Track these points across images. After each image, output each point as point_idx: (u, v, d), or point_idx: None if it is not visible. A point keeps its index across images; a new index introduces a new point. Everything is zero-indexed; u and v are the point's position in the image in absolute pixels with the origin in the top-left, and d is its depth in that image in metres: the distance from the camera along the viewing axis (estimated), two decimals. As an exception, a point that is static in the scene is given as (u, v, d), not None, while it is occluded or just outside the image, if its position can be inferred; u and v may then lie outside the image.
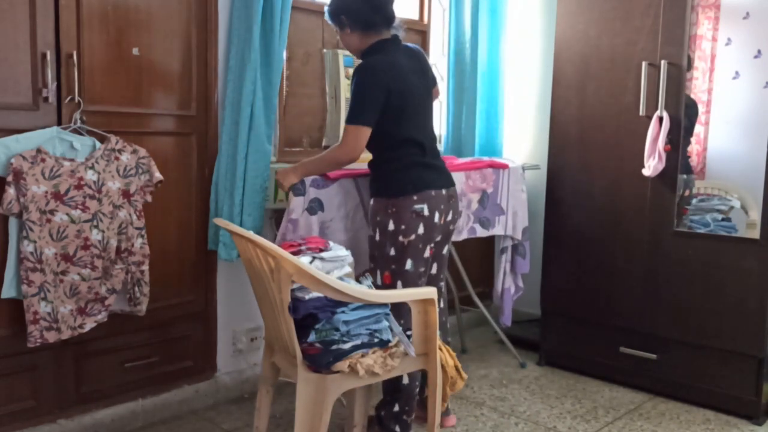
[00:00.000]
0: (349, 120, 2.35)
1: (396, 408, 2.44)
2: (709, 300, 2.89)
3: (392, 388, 2.43)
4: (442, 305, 2.70)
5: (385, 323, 2.06)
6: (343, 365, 1.93)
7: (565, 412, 2.90)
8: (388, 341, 2.05)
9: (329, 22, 2.51)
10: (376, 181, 2.47)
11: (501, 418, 2.82)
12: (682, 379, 2.99)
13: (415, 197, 2.37)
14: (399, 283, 2.39)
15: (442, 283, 2.63)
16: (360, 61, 2.48)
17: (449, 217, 2.50)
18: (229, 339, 2.91)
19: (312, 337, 1.98)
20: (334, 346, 1.96)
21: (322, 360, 1.94)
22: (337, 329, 1.98)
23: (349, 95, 3.09)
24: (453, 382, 2.20)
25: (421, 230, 2.38)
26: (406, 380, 2.40)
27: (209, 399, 2.85)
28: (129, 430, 2.60)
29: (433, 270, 2.55)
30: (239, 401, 2.91)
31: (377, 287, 2.38)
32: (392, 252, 2.38)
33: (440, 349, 2.13)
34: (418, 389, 2.48)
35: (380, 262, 2.42)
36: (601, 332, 3.21)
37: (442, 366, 2.14)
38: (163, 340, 2.70)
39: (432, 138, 2.53)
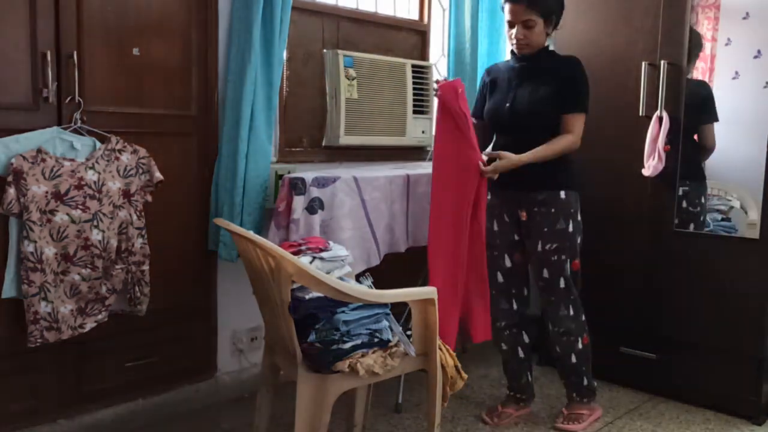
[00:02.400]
0: (580, 108, 2.60)
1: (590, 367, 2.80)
2: (709, 300, 2.89)
3: (587, 353, 2.78)
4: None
5: (385, 323, 2.06)
6: (343, 365, 1.93)
7: (565, 412, 2.90)
8: (388, 341, 2.05)
9: (534, 10, 2.51)
10: (566, 171, 2.63)
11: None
12: (682, 379, 2.99)
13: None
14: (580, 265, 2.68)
15: None
16: (518, 60, 2.66)
17: None
18: (229, 339, 2.91)
19: (312, 337, 1.98)
20: (334, 346, 1.96)
21: (322, 360, 1.94)
22: (337, 329, 1.98)
23: (349, 95, 3.10)
24: (453, 382, 2.19)
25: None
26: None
27: (209, 399, 2.85)
28: (129, 429, 2.60)
29: None
30: (239, 401, 2.91)
31: (569, 277, 2.66)
32: (579, 240, 2.67)
33: (440, 348, 2.13)
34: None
35: (571, 251, 2.65)
36: (601, 332, 3.21)
37: (442, 366, 2.13)
38: (163, 340, 2.70)
39: None
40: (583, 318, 2.76)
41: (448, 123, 2.51)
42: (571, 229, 2.62)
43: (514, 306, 2.79)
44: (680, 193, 2.97)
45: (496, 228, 2.73)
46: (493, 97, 2.72)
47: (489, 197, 2.64)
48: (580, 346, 2.74)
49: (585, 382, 2.80)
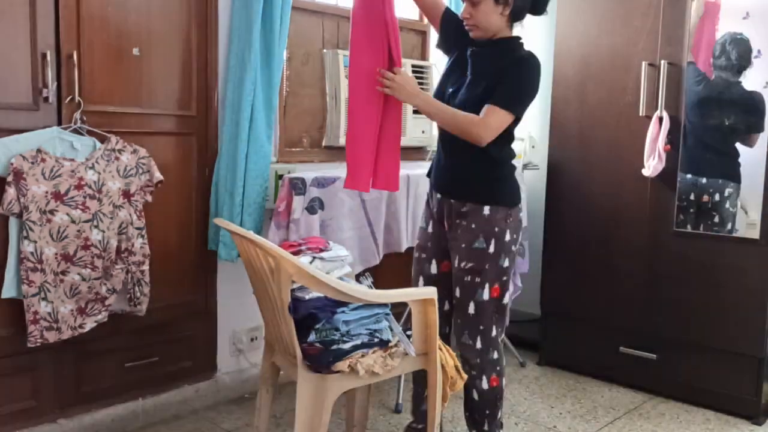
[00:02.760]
0: (505, 104, 2.15)
1: (499, 415, 2.41)
2: (709, 300, 2.89)
3: (493, 398, 2.36)
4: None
5: (385, 323, 2.06)
6: (343, 365, 1.93)
7: (565, 412, 2.90)
8: (388, 341, 2.05)
9: None
10: (493, 185, 2.27)
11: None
12: (682, 379, 2.99)
13: (520, 205, 2.34)
14: (506, 294, 2.32)
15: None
16: (475, 45, 2.28)
17: None
18: (229, 339, 2.91)
19: (312, 337, 1.98)
20: (334, 346, 1.96)
21: (322, 360, 1.94)
22: (337, 329, 1.98)
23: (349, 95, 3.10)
24: (453, 382, 2.19)
25: (521, 238, 2.35)
26: (504, 383, 2.39)
27: (209, 399, 2.85)
28: (129, 430, 2.60)
29: None
30: (239, 401, 2.91)
31: (483, 303, 2.28)
32: (506, 263, 2.28)
33: (440, 348, 2.13)
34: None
35: (491, 275, 2.26)
36: (601, 332, 3.21)
37: (442, 366, 2.13)
38: (163, 340, 2.70)
39: None
40: (496, 356, 2.33)
41: (361, 27, 2.26)
42: (492, 250, 2.24)
43: (478, 344, 2.34)
44: (725, 194, 2.94)
45: (430, 230, 2.41)
46: (444, 77, 2.41)
47: (427, 197, 2.45)
48: (484, 386, 2.34)
49: (486, 427, 2.38)
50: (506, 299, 2.33)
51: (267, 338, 2.26)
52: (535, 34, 3.83)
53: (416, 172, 2.91)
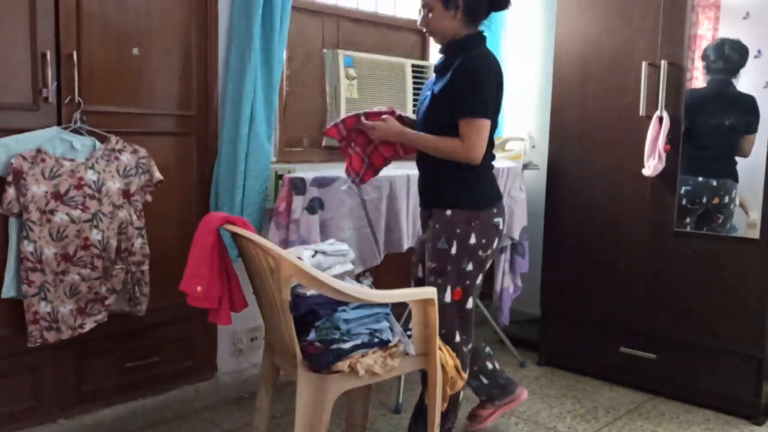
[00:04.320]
0: (471, 112, 2.18)
1: (449, 423, 2.42)
2: (709, 300, 2.89)
3: (448, 405, 2.27)
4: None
5: (386, 323, 2.06)
6: (343, 365, 1.93)
7: (565, 412, 2.90)
8: (388, 341, 2.05)
9: None
10: (454, 188, 2.29)
11: (501, 417, 2.82)
12: (682, 379, 2.99)
13: (494, 210, 2.32)
14: (470, 299, 2.33)
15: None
16: (442, 47, 2.34)
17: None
18: (229, 339, 2.91)
19: (312, 335, 1.98)
20: (335, 346, 1.96)
21: (322, 360, 1.94)
22: (338, 328, 1.98)
23: (349, 95, 3.10)
24: (453, 382, 2.19)
25: (495, 244, 2.33)
26: (461, 397, 2.41)
27: (209, 399, 2.85)
28: (129, 430, 2.60)
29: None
30: (239, 401, 2.91)
31: (444, 306, 2.27)
32: (469, 267, 2.29)
33: (440, 349, 2.13)
34: (482, 384, 2.54)
35: (452, 277, 2.29)
36: (601, 332, 3.21)
37: (442, 366, 2.13)
38: (163, 340, 2.70)
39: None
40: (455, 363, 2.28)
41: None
42: (453, 251, 2.27)
43: None
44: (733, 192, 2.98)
45: (421, 234, 2.50)
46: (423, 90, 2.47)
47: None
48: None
49: None
50: (469, 305, 2.34)
51: (267, 338, 2.26)
52: (535, 34, 3.84)
53: (416, 172, 2.90)
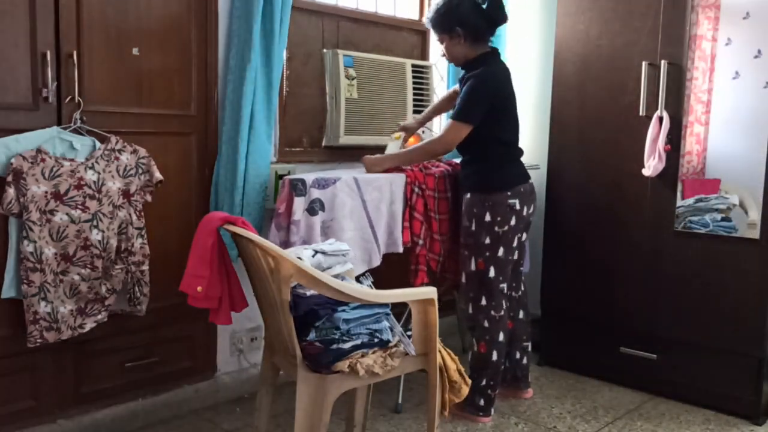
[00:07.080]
0: (456, 117, 2.67)
1: (483, 382, 2.74)
2: (709, 300, 2.89)
3: (480, 363, 2.74)
4: (521, 316, 2.99)
5: (386, 323, 2.06)
6: (343, 365, 1.93)
7: (565, 412, 2.90)
8: (388, 341, 2.05)
9: (435, 30, 2.77)
10: (473, 176, 2.76)
11: (501, 417, 2.82)
12: (682, 379, 2.99)
13: (509, 193, 2.69)
14: (492, 268, 2.71)
15: (522, 268, 2.98)
16: (462, 69, 2.81)
17: (531, 209, 2.79)
18: (229, 339, 2.91)
19: (312, 335, 1.98)
20: (334, 346, 1.95)
21: (322, 360, 1.94)
22: (338, 328, 1.98)
23: (349, 95, 3.10)
24: (458, 389, 2.18)
25: (513, 222, 2.70)
26: (494, 356, 2.73)
27: (209, 399, 2.85)
28: (129, 430, 2.60)
29: (515, 256, 2.83)
30: (239, 401, 2.91)
31: (470, 273, 2.73)
32: (487, 240, 2.70)
33: (440, 352, 2.13)
34: (503, 366, 2.82)
35: (474, 250, 2.72)
36: (601, 332, 3.21)
37: (443, 369, 2.13)
38: (163, 340, 2.70)
39: (518, 138, 2.84)
40: (486, 324, 2.73)
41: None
42: (474, 228, 2.71)
43: (470, 310, 2.78)
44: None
45: (473, 228, 2.75)
46: None
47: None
48: (475, 348, 2.78)
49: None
50: (491, 274, 2.72)
51: (267, 338, 2.26)
52: (535, 34, 3.84)
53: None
